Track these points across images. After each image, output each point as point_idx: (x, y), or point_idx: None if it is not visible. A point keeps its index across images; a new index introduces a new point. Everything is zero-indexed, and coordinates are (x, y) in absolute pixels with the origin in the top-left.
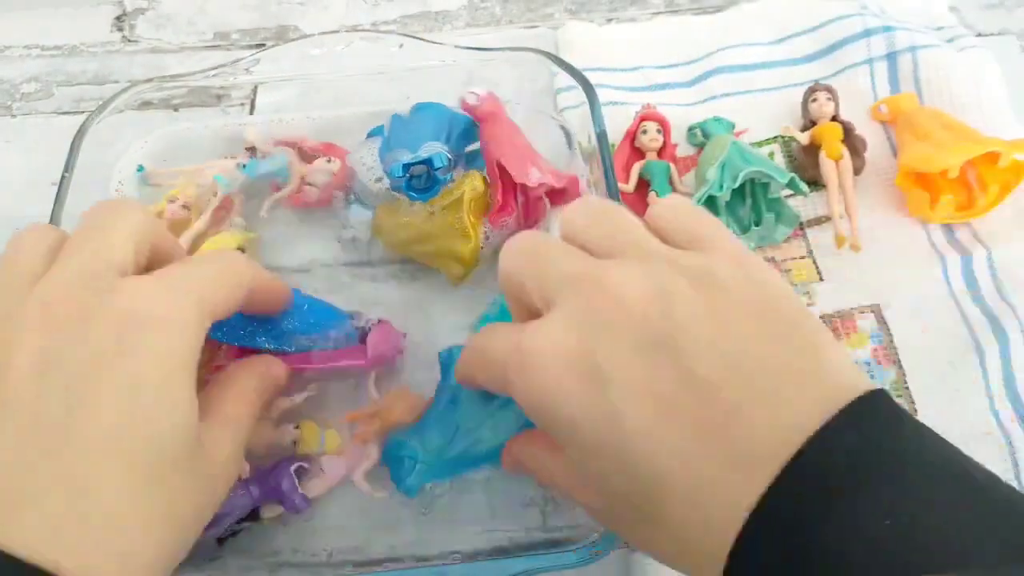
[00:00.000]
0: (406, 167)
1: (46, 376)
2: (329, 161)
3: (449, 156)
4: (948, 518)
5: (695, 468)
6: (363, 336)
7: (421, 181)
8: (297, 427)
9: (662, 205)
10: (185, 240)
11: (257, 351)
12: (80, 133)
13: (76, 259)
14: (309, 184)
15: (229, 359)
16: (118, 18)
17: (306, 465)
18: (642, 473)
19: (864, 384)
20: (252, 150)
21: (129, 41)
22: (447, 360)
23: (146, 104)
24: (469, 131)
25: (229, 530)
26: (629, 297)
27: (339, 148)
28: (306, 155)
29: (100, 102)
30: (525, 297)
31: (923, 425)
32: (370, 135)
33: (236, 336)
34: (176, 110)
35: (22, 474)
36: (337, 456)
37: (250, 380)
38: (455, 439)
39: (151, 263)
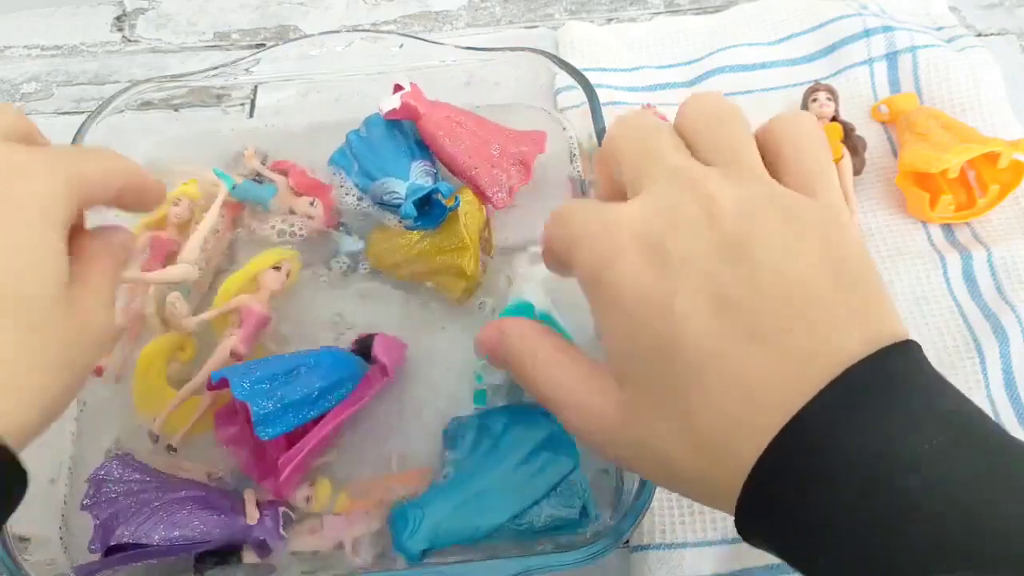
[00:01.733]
0: (416, 204)
1: None
2: (312, 204)
3: (434, 168)
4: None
5: (740, 366)
6: (364, 350)
7: (426, 207)
8: (312, 484)
9: (784, 125)
10: (197, 239)
11: (304, 428)
12: (80, 133)
13: None
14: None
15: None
16: (118, 18)
17: (292, 515)
18: (683, 357)
19: (901, 333)
20: (258, 179)
21: (129, 41)
22: (455, 431)
23: (146, 104)
24: None
25: (210, 562)
26: (717, 207)
27: (325, 187)
28: (294, 189)
29: (100, 102)
30: (619, 174)
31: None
32: (332, 161)
33: (287, 422)
34: (176, 110)
35: None
36: (340, 517)
37: (108, 249)
38: (460, 509)
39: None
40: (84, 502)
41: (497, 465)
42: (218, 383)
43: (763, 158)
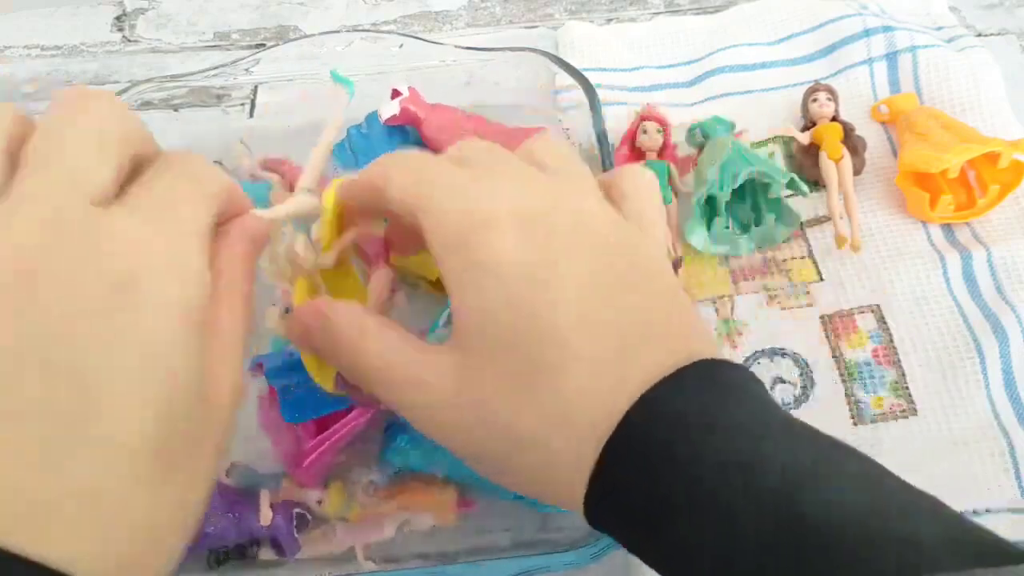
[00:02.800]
0: None
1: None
2: (308, 194)
3: None
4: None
5: (607, 342)
6: None
7: None
8: (326, 487)
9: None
10: (320, 159)
11: (334, 417)
12: None
13: (42, 186)
14: None
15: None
16: (118, 18)
17: (307, 516)
18: (550, 327)
19: (711, 352)
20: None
21: (129, 41)
22: None
23: (146, 104)
24: None
25: (224, 557)
26: (580, 198)
27: (323, 180)
28: (288, 184)
29: None
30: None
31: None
32: (332, 155)
33: (316, 408)
34: (176, 110)
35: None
36: (353, 524)
37: (237, 264)
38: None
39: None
40: None
41: None
42: (255, 367)
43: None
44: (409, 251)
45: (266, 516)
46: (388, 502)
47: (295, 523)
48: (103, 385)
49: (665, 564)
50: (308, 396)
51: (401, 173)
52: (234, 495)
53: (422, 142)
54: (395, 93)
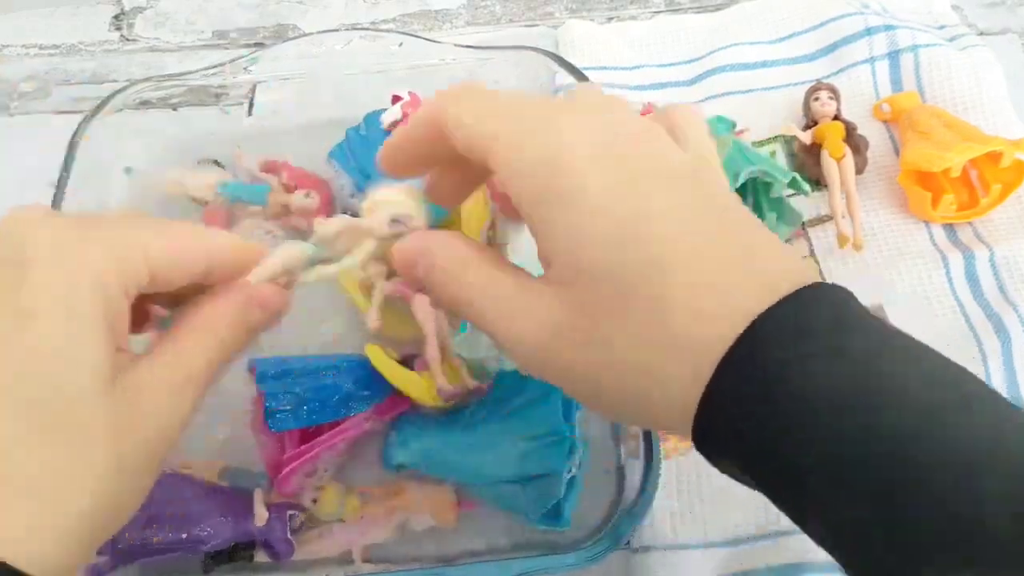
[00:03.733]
0: None
1: None
2: (308, 195)
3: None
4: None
5: (708, 263)
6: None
7: None
8: (321, 487)
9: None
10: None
11: (322, 430)
12: (78, 132)
13: None
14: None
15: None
16: (116, 17)
17: (303, 519)
18: (648, 250)
19: (814, 276)
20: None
21: (127, 40)
22: (500, 378)
23: (144, 103)
24: None
25: (219, 560)
26: (664, 137)
27: (323, 181)
28: (286, 186)
29: (98, 101)
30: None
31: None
32: (331, 156)
33: (299, 419)
34: (175, 109)
35: None
36: (350, 524)
37: (204, 323)
38: (450, 447)
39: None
40: None
41: (501, 429)
42: (248, 370)
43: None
44: (455, 199)
45: (261, 516)
46: (386, 502)
47: (290, 525)
48: None
49: (773, 486)
50: (295, 406)
51: (472, 101)
52: (228, 497)
53: None
54: (395, 98)
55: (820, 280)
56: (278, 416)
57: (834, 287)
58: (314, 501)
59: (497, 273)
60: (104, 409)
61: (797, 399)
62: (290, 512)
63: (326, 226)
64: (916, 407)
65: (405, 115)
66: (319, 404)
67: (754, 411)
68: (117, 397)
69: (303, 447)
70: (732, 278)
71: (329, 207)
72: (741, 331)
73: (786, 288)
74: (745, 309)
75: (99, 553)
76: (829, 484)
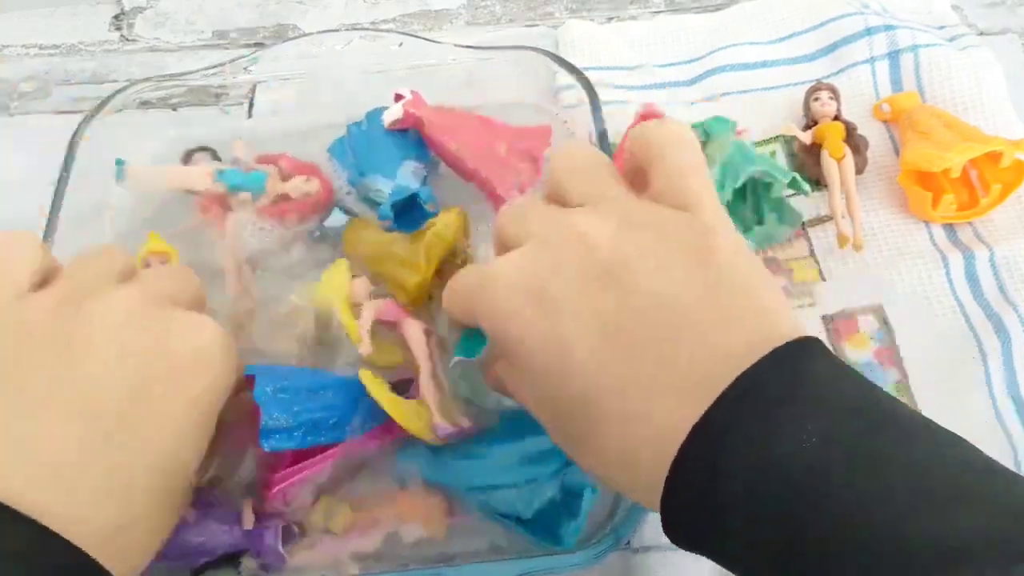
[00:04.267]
0: (393, 206)
1: (124, 374)
2: (307, 180)
3: (425, 172)
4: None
5: (634, 391)
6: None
7: (408, 209)
8: (313, 500)
9: (646, 141)
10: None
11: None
12: (78, 132)
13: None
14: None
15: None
16: (116, 17)
17: (295, 530)
18: (581, 395)
19: (793, 331)
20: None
21: (127, 40)
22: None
23: (144, 103)
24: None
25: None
26: (591, 240)
27: (317, 169)
28: (284, 174)
29: (99, 101)
30: (511, 245)
31: (845, 367)
32: (330, 150)
33: (294, 440)
34: (175, 109)
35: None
36: (339, 536)
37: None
38: (451, 456)
39: None
40: None
41: (494, 442)
42: (248, 378)
43: (642, 176)
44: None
45: (248, 520)
46: (376, 511)
47: (280, 536)
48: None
49: (728, 561)
50: (290, 427)
51: (449, 295)
52: (220, 504)
53: (423, 143)
54: (398, 97)
55: (774, 345)
56: (274, 437)
57: (786, 352)
58: (303, 512)
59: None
60: (187, 486)
61: (726, 508)
62: (282, 524)
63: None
64: (838, 508)
65: (407, 113)
66: (316, 426)
67: (694, 519)
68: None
69: (292, 468)
70: (658, 403)
71: (329, 196)
72: (671, 459)
73: (716, 389)
74: (677, 435)
75: None
76: None
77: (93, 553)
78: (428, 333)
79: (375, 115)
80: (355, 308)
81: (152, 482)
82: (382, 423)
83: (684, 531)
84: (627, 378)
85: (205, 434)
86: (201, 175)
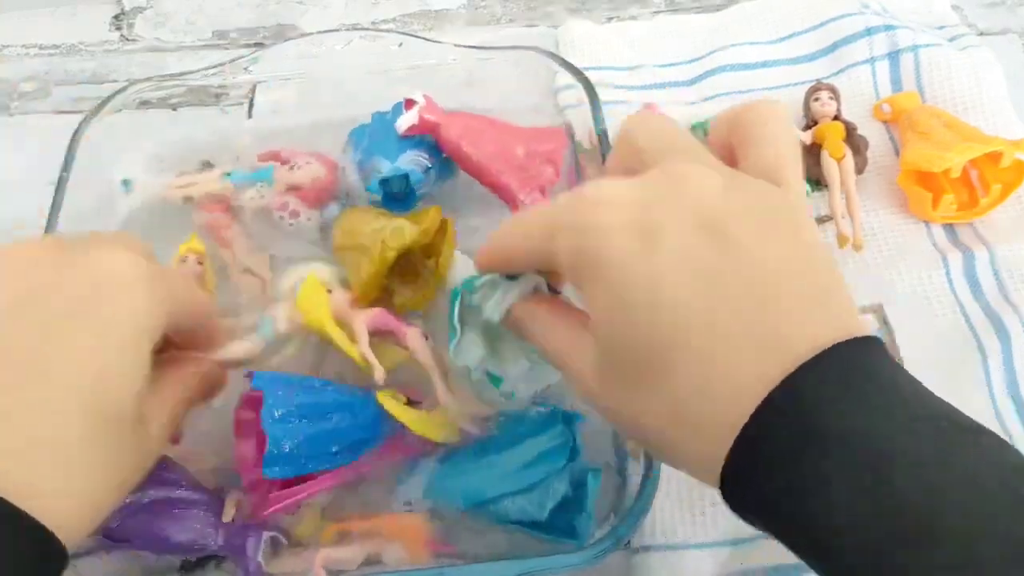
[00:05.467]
0: (382, 182)
1: (22, 314)
2: (308, 162)
3: (429, 164)
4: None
5: (720, 340)
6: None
7: (401, 188)
8: (300, 512)
9: (751, 116)
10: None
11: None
12: (78, 132)
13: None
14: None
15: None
16: (116, 17)
17: (282, 539)
18: (664, 332)
19: (862, 329)
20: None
21: (127, 40)
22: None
23: (144, 103)
24: None
25: (193, 560)
26: (699, 184)
27: (319, 155)
28: (288, 163)
29: (99, 101)
30: (631, 162)
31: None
32: (352, 134)
33: (297, 468)
34: (175, 109)
35: None
36: (322, 549)
37: (188, 377)
38: (454, 471)
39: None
40: None
41: (500, 452)
42: (257, 389)
43: (731, 149)
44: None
45: (228, 514)
46: (361, 527)
47: (263, 545)
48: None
49: (798, 543)
50: (292, 455)
51: (522, 233)
52: (214, 501)
53: (437, 146)
54: (409, 103)
55: (853, 335)
56: (277, 465)
57: (865, 344)
58: (291, 523)
59: (551, 322)
60: (127, 427)
61: (821, 476)
62: (269, 535)
63: (271, 323)
64: (935, 484)
65: (422, 119)
66: (320, 455)
67: (774, 483)
68: (135, 423)
69: (286, 491)
70: (744, 354)
71: (334, 179)
72: (753, 410)
73: (806, 353)
74: (758, 388)
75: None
76: (857, 552)
77: (24, 505)
78: (427, 337)
79: (399, 107)
80: (343, 323)
81: (84, 428)
82: (380, 444)
83: (752, 493)
84: (715, 325)
85: (134, 368)
86: (209, 179)
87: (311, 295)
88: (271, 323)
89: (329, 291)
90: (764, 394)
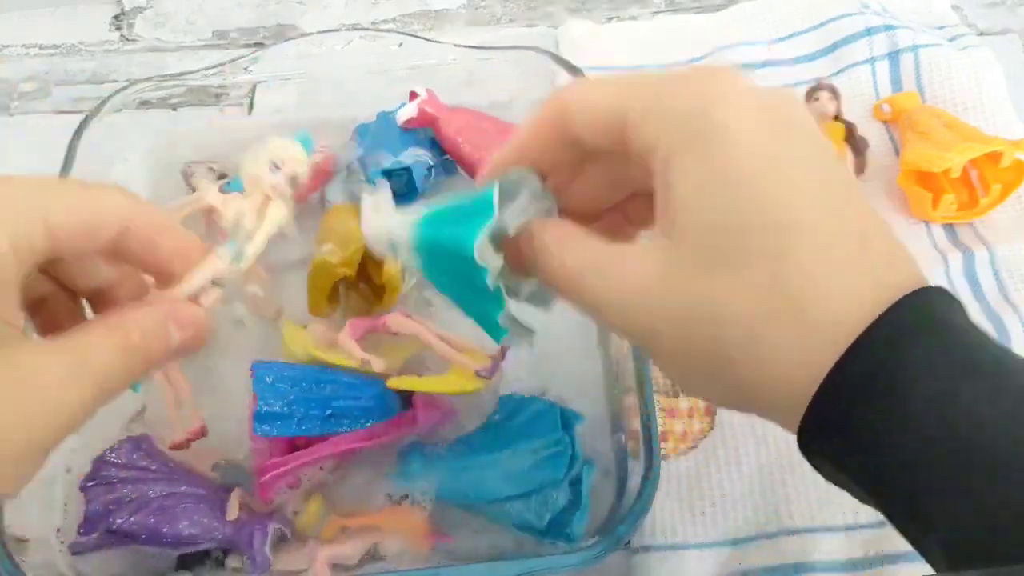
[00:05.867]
0: (385, 173)
1: None
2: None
3: (432, 162)
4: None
5: (844, 232)
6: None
7: (402, 182)
8: (305, 499)
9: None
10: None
11: (308, 441)
12: (78, 132)
13: None
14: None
15: (279, 452)
16: (116, 17)
17: (287, 532)
18: (796, 202)
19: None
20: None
21: (127, 40)
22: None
23: (144, 103)
24: None
25: (193, 559)
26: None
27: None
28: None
29: (99, 101)
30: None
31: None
32: (358, 128)
33: (287, 428)
34: (174, 109)
35: None
36: (326, 544)
37: (134, 334)
38: (454, 474)
39: None
40: (83, 483)
41: (504, 448)
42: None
43: None
44: (595, 202)
45: (232, 512)
46: (362, 520)
47: (270, 538)
48: None
49: (879, 485)
50: (284, 414)
51: (601, 88)
52: (218, 498)
53: (436, 141)
54: (412, 95)
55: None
56: (264, 424)
57: (944, 293)
58: (295, 513)
59: (593, 241)
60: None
61: (931, 404)
62: (274, 526)
63: (229, 217)
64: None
65: (421, 112)
66: (309, 416)
67: (881, 405)
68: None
69: (286, 456)
70: (862, 262)
71: (328, 161)
72: (875, 317)
73: (911, 285)
74: (874, 297)
75: (87, 532)
76: (953, 493)
77: None
78: (408, 316)
79: (384, 116)
80: (327, 345)
81: None
82: (381, 423)
83: (834, 425)
84: (830, 235)
85: (7, 287)
86: (209, 193)
87: (294, 336)
88: (242, 228)
89: (305, 327)
90: (881, 310)
